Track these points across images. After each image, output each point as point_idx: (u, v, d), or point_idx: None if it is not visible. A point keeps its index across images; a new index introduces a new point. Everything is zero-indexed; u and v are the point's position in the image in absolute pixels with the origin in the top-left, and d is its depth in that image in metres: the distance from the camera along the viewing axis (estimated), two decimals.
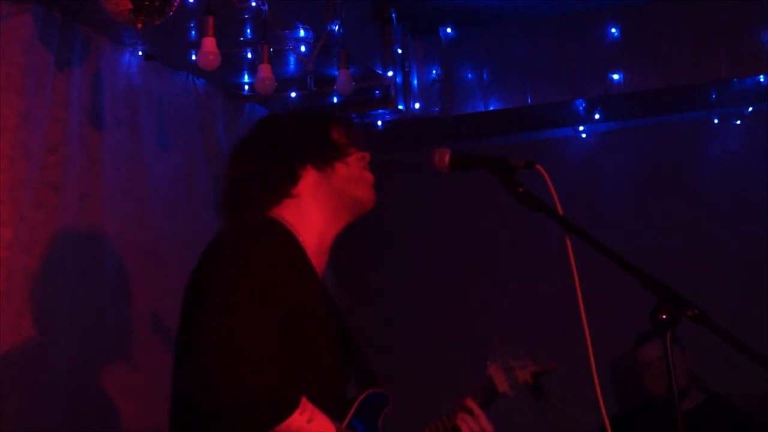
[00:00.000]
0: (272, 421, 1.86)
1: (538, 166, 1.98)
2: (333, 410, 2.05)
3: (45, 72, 3.19)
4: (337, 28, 3.77)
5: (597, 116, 4.84)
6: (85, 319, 3.30)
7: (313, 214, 2.19)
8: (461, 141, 4.99)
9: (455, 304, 5.02)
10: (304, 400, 1.92)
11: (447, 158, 2.12)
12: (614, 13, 4.47)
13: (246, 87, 4.17)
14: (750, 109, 4.71)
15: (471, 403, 2.37)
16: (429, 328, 4.98)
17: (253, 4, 3.35)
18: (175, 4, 2.87)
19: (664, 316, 1.76)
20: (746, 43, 4.28)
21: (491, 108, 4.67)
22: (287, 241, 2.10)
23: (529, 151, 4.66)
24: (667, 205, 4.79)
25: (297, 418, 1.88)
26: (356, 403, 2.14)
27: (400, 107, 4.54)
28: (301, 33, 3.69)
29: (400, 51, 4.52)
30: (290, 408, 1.88)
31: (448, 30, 4.72)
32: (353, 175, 2.22)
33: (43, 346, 3.11)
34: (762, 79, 4.38)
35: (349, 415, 2.12)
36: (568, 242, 1.94)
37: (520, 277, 4.92)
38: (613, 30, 4.46)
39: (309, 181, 2.20)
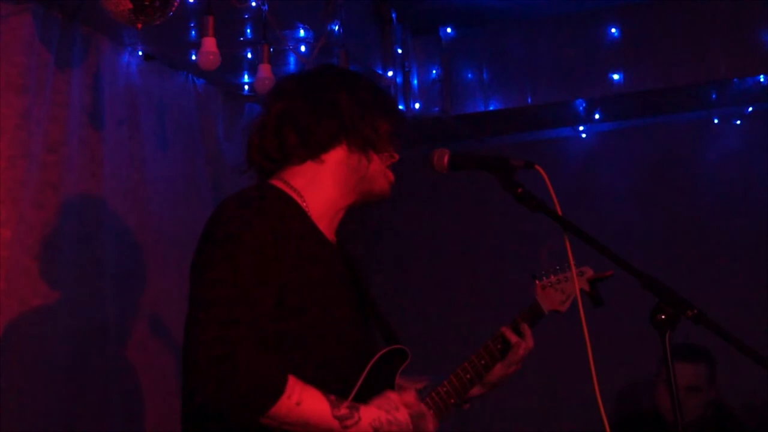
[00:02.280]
0: (258, 412, 1.86)
1: (537, 167, 1.98)
2: (346, 369, 2.07)
3: (45, 72, 3.19)
4: (337, 28, 3.78)
5: (597, 116, 4.84)
6: (85, 319, 3.30)
7: (327, 183, 2.17)
8: (461, 141, 4.99)
9: (455, 303, 5.02)
10: (291, 382, 1.89)
11: (446, 159, 2.12)
12: (614, 13, 4.47)
13: (246, 87, 4.17)
14: (750, 109, 4.71)
15: (520, 321, 2.45)
16: (429, 328, 4.98)
17: (253, 4, 3.35)
18: (175, 4, 2.87)
19: (663, 316, 1.76)
20: (746, 43, 4.28)
21: (491, 108, 4.68)
22: (286, 209, 2.09)
23: (529, 151, 4.65)
24: (667, 204, 4.78)
25: (284, 403, 1.87)
26: (370, 363, 2.13)
27: (400, 107, 4.54)
28: (301, 33, 3.69)
29: (400, 51, 4.52)
30: (275, 395, 1.86)
31: (448, 30, 4.72)
32: (379, 169, 2.22)
33: (43, 345, 3.11)
34: (762, 79, 4.38)
35: (363, 375, 2.10)
36: (567, 242, 1.94)
37: (520, 277, 4.90)
38: (613, 30, 4.47)
39: (338, 154, 2.18)
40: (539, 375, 4.54)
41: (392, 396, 2.06)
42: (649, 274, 1.83)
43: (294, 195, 2.13)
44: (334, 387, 2.01)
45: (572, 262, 1.98)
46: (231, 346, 1.84)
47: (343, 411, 1.95)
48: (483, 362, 2.40)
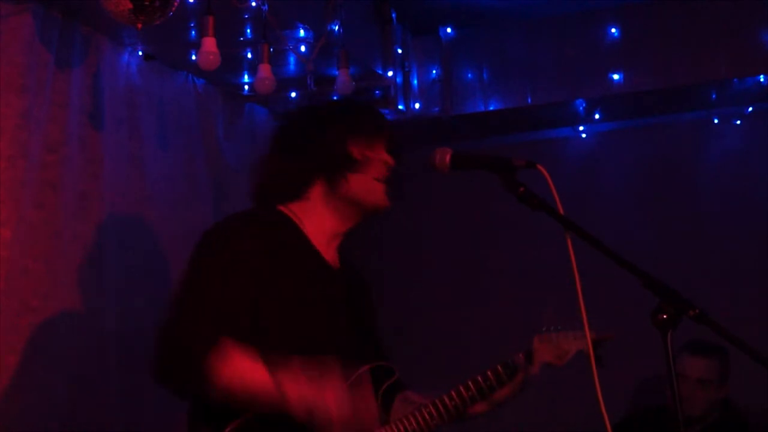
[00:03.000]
0: (197, 365, 1.98)
1: (539, 166, 1.98)
2: None
3: (45, 72, 3.19)
4: (337, 28, 3.77)
5: (597, 116, 4.84)
6: (85, 319, 3.30)
7: (322, 215, 2.29)
8: (461, 141, 4.99)
9: (455, 303, 5.02)
10: (225, 340, 2.00)
11: (448, 158, 2.12)
12: (614, 13, 4.47)
13: (246, 87, 4.17)
14: (750, 109, 4.71)
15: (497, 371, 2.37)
16: (429, 328, 4.98)
17: (253, 4, 3.34)
18: (175, 4, 2.87)
19: (664, 316, 1.76)
20: (746, 43, 4.28)
21: (491, 108, 4.67)
22: (285, 228, 2.23)
23: (529, 151, 4.63)
24: (667, 204, 4.78)
25: (225, 369, 1.98)
26: (351, 379, 2.16)
27: (400, 107, 4.54)
28: (301, 33, 3.69)
29: (400, 51, 4.52)
30: (206, 350, 1.98)
31: (448, 30, 4.72)
32: (363, 188, 2.28)
33: (42, 345, 3.11)
34: (762, 79, 4.38)
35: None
36: (569, 242, 1.94)
37: (520, 277, 4.91)
38: (613, 30, 4.46)
39: (318, 190, 2.29)
40: (540, 374, 4.54)
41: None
42: (649, 273, 1.83)
43: (295, 219, 2.26)
44: None
45: (574, 262, 1.98)
46: (188, 332, 2.03)
47: (284, 377, 2.02)
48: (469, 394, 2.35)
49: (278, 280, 2.14)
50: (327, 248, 2.29)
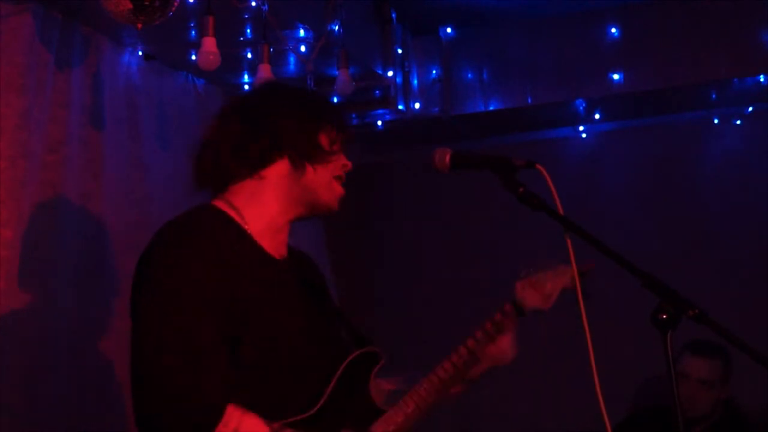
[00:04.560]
0: None
1: (538, 166, 1.98)
2: (310, 381, 2.09)
3: (45, 72, 3.19)
4: (337, 28, 3.77)
5: (597, 116, 4.84)
6: (85, 319, 3.30)
7: (268, 198, 2.18)
8: (461, 141, 4.99)
9: (456, 303, 5.02)
10: (230, 409, 1.91)
11: (448, 158, 2.12)
12: (614, 13, 4.47)
13: (246, 87, 4.17)
14: (750, 109, 4.71)
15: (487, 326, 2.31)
16: (429, 328, 4.97)
17: (253, 4, 3.35)
18: (175, 4, 2.87)
19: (664, 316, 1.76)
20: (746, 43, 4.28)
21: (491, 108, 4.68)
22: (224, 229, 2.11)
23: (529, 151, 4.64)
24: (667, 204, 4.79)
25: (221, 431, 1.89)
26: (340, 369, 2.13)
27: (400, 107, 4.54)
28: (301, 33, 3.69)
29: (400, 51, 4.52)
30: (212, 423, 1.89)
31: (448, 30, 4.72)
32: (323, 181, 2.20)
33: (42, 346, 3.11)
34: (762, 79, 4.38)
35: (329, 388, 2.11)
36: (569, 242, 1.94)
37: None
38: (613, 30, 4.47)
39: (279, 169, 2.18)
40: (541, 374, 4.55)
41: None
42: (649, 273, 1.83)
43: (234, 215, 2.15)
44: (301, 400, 2.05)
45: (573, 263, 1.98)
46: (178, 366, 1.89)
47: None
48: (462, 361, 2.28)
49: (233, 288, 2.02)
50: (272, 241, 2.17)
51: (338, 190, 2.23)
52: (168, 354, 1.90)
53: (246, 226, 2.15)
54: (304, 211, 2.22)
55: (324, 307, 2.28)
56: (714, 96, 4.57)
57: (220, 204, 2.18)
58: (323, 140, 2.20)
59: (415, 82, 4.69)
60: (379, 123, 4.66)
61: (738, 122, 4.76)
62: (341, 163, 2.24)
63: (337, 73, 3.78)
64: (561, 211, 1.95)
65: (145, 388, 1.91)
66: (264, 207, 2.17)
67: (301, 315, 2.16)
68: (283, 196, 2.18)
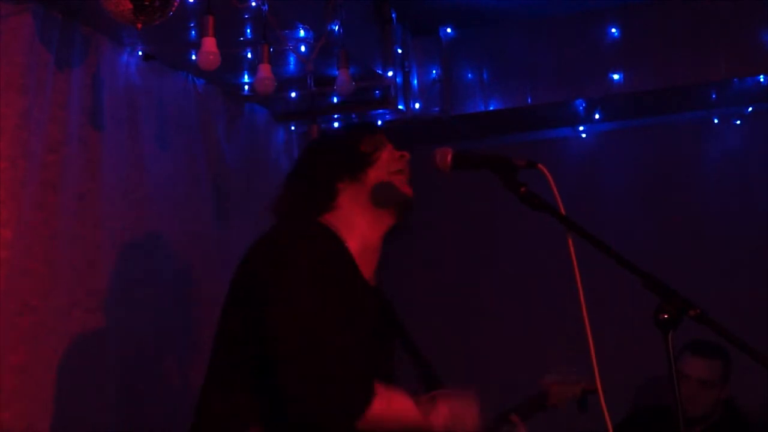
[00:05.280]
0: (356, 416, 1.99)
1: (540, 166, 1.98)
2: None
3: (45, 72, 3.18)
4: (337, 28, 3.77)
5: (597, 116, 4.84)
6: (85, 319, 3.30)
7: (355, 219, 2.29)
8: (461, 141, 4.99)
9: (456, 303, 5.02)
10: (378, 387, 2.04)
11: (449, 158, 2.12)
12: (614, 13, 4.47)
13: (246, 87, 4.16)
14: (750, 109, 4.71)
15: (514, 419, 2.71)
16: (430, 328, 4.97)
17: (253, 4, 3.34)
18: (175, 4, 2.87)
19: (665, 316, 1.76)
20: (746, 43, 4.28)
21: (491, 108, 4.67)
22: (336, 244, 2.21)
23: (529, 151, 4.61)
24: (668, 204, 4.79)
25: (378, 405, 2.01)
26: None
27: (400, 107, 4.54)
28: (301, 33, 3.69)
29: (400, 51, 4.52)
30: (370, 399, 2.01)
31: (448, 30, 4.72)
32: (383, 176, 2.31)
33: (42, 346, 3.10)
34: (762, 79, 4.38)
35: None
36: (570, 242, 1.94)
37: (521, 276, 4.92)
38: (613, 30, 4.46)
39: (347, 193, 2.30)
40: (541, 374, 4.54)
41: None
42: (650, 273, 1.83)
43: (337, 232, 2.25)
44: None
45: (575, 263, 1.98)
46: (347, 354, 2.02)
47: (426, 405, 2.14)
48: None
49: (344, 299, 2.14)
50: (367, 264, 2.29)
51: (399, 178, 2.33)
52: (339, 335, 2.03)
53: (347, 245, 2.25)
54: (387, 216, 2.32)
55: (401, 340, 2.45)
56: (714, 96, 4.57)
57: (324, 222, 2.28)
58: (364, 146, 2.34)
59: (415, 82, 4.69)
60: (379, 123, 4.66)
61: (738, 122, 4.76)
62: (396, 155, 2.36)
63: (337, 73, 3.78)
64: (562, 211, 1.95)
65: (317, 368, 1.99)
66: (354, 226, 2.29)
67: (375, 348, 2.27)
68: (363, 210, 2.30)
